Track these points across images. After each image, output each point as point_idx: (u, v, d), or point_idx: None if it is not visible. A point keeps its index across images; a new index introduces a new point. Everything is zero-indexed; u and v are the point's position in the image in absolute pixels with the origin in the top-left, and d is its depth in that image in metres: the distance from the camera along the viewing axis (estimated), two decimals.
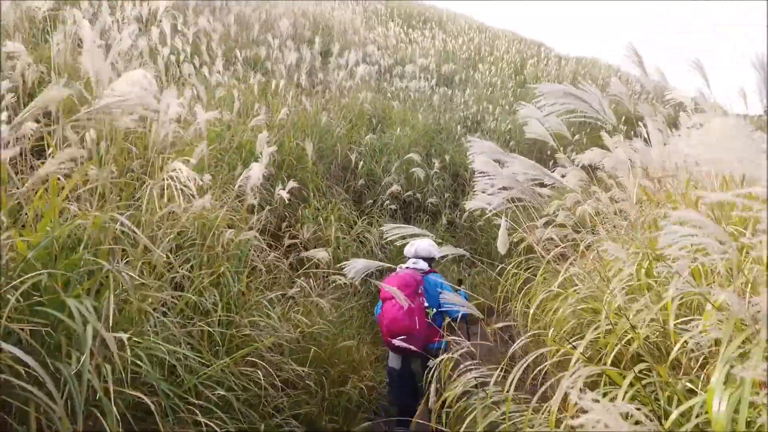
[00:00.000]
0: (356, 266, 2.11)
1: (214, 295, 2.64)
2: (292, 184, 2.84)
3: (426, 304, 2.98)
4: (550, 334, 2.51)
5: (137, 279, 2.03)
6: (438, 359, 2.40)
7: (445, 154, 7.70)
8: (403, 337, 2.74)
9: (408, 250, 3.32)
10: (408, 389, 2.98)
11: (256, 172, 2.89)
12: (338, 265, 3.09)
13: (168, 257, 2.59)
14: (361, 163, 6.09)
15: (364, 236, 5.23)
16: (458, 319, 2.78)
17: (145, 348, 1.83)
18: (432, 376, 2.50)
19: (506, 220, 2.45)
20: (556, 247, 3.30)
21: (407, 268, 3.15)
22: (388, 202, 6.03)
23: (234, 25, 8.00)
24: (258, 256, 3.41)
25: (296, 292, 3.11)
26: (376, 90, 8.95)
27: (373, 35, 11.80)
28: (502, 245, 2.46)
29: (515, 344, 2.16)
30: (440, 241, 5.72)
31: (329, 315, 3.70)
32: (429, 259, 3.31)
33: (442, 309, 2.76)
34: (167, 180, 2.17)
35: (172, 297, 2.26)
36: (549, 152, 10.43)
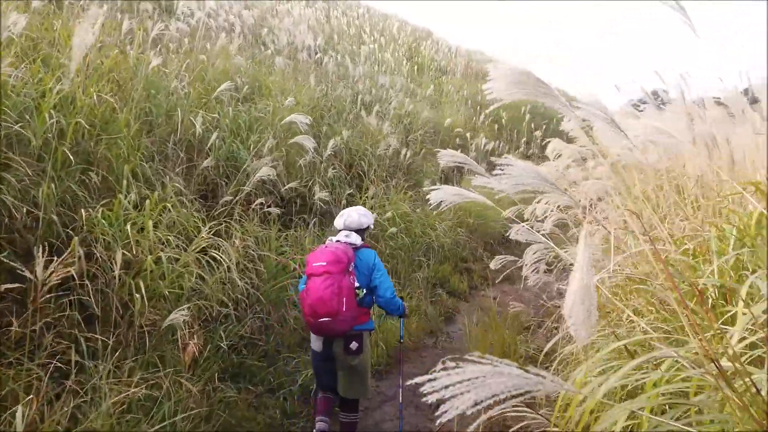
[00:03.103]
0: None
1: None
2: None
3: (357, 284, 2.66)
4: None
5: None
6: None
7: (338, 136, 5.90)
8: (326, 319, 2.47)
9: (337, 222, 2.93)
10: (330, 373, 2.73)
11: None
12: None
13: None
14: (214, 136, 4.00)
15: (214, 252, 3.22)
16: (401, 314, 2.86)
17: None
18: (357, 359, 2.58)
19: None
20: None
21: (338, 241, 2.75)
22: (262, 200, 4.06)
23: None
24: None
25: None
26: (249, 57, 6.82)
27: None
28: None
29: None
30: None
31: None
32: (361, 231, 2.92)
33: (376, 289, 2.70)
34: None
35: None
36: (459, 140, 9.30)
